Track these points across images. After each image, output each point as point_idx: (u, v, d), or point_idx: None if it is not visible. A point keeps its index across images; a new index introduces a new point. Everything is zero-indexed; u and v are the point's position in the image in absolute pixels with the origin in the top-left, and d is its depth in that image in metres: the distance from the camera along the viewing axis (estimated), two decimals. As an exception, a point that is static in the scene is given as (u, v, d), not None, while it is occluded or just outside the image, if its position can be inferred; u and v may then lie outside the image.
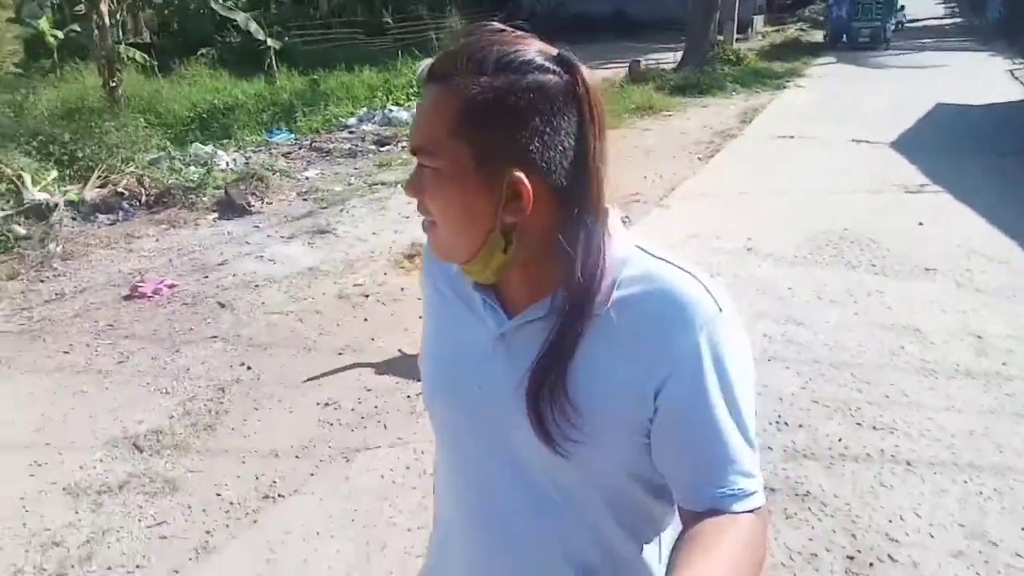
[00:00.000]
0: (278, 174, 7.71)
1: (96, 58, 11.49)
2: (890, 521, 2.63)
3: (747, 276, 4.80)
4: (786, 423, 3.21)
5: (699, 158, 8.20)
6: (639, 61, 14.50)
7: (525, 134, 0.75)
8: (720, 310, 0.80)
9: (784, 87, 13.21)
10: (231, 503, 2.80)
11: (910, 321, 4.11)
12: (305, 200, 6.98)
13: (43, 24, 16.00)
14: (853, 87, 13.10)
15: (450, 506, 0.99)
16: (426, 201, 0.79)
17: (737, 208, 6.29)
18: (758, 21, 23.65)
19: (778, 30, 23.57)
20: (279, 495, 2.84)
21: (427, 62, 0.81)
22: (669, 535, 0.92)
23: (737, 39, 18.27)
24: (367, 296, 4.67)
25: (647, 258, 0.84)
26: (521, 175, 0.76)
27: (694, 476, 0.80)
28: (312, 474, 2.96)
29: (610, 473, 0.85)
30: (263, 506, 2.78)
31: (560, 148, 0.76)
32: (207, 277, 4.99)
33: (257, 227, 6.16)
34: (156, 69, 14.35)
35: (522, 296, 0.84)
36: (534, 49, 0.76)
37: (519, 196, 0.77)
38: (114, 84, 11.07)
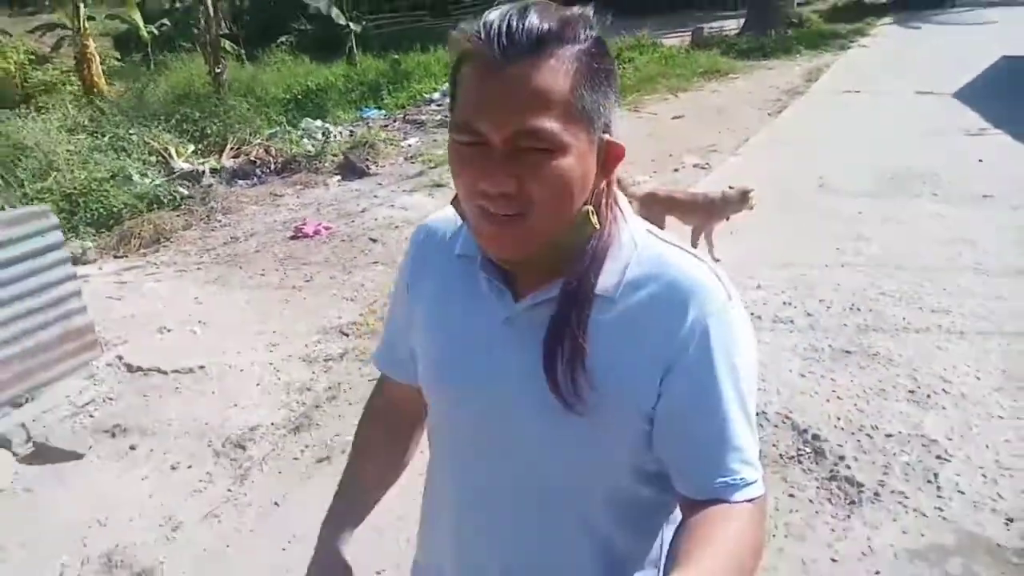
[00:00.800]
0: (384, 142, 8.64)
1: (202, 47, 12.63)
2: (944, 369, 3.35)
3: (820, 207, 5.47)
4: (858, 308, 3.93)
5: (768, 113, 8.79)
6: (702, 28, 14.95)
7: (613, 96, 0.78)
8: (729, 298, 0.82)
9: (848, 47, 13.52)
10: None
11: (967, 235, 4.74)
12: (413, 163, 7.88)
13: (138, 19, 17.31)
14: (917, 44, 13.34)
15: (449, 491, 0.98)
16: (531, 188, 0.74)
17: (808, 154, 6.90)
18: (820, -16, 23.56)
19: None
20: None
21: (490, 23, 0.73)
22: (669, 531, 0.92)
23: (799, 4, 18.43)
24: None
25: (658, 242, 0.85)
26: (609, 137, 0.79)
27: (697, 463, 0.81)
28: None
29: (614, 460, 0.85)
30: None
31: (615, 112, 0.79)
32: (353, 222, 5.94)
33: (380, 184, 7.09)
34: (243, 57, 15.50)
35: (531, 277, 0.83)
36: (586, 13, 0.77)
37: (616, 158, 0.80)
38: (219, 71, 12.21)
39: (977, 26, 14.98)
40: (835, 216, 5.23)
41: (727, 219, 4.54)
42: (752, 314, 3.75)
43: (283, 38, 17.64)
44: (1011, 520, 2.44)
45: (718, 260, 4.11)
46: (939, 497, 2.58)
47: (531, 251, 0.78)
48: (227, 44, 15.30)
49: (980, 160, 6.23)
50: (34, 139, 7.12)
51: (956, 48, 12.24)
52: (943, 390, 3.20)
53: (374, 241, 5.46)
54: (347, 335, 4.03)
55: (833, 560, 2.37)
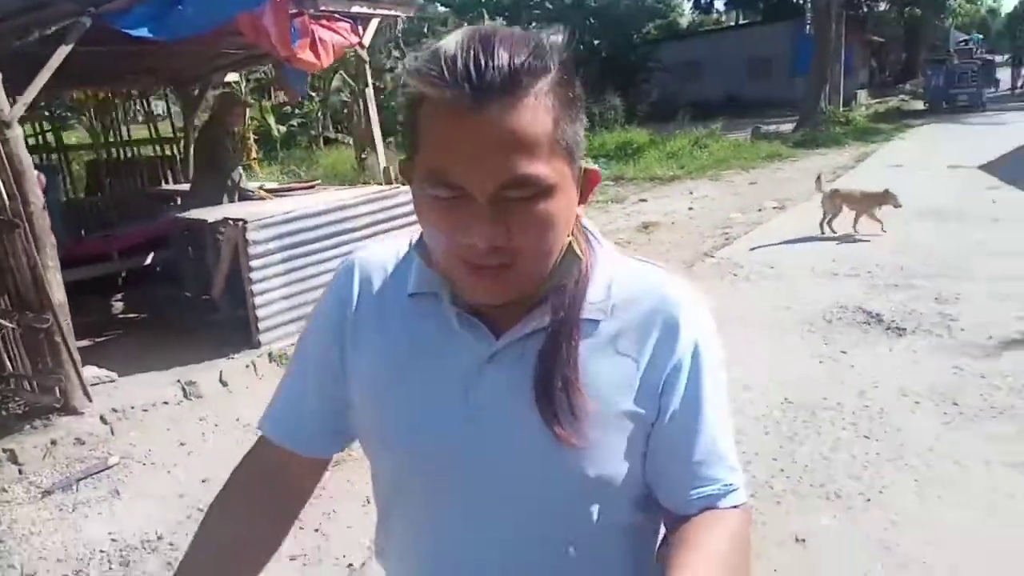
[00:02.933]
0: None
1: (354, 138, 15.53)
2: (958, 291, 5.32)
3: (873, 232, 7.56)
4: (896, 285, 5.89)
5: (827, 180, 10.98)
6: (759, 126, 17.48)
7: (582, 120, 0.72)
8: (706, 315, 0.82)
9: (890, 139, 15.81)
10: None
11: (980, 239, 6.74)
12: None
13: (271, 120, 20.61)
14: (950, 137, 15.53)
15: (424, 552, 0.86)
16: (520, 236, 0.68)
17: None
18: (861, 95, 26.22)
19: (880, 102, 26.02)
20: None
21: (454, 59, 0.64)
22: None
23: (843, 111, 20.98)
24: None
25: (630, 260, 0.84)
26: (585, 164, 0.74)
27: (686, 476, 0.80)
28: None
29: (616, 488, 0.80)
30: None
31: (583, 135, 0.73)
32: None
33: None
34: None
35: (508, 310, 0.76)
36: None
37: (594, 184, 0.76)
38: (364, 156, 15.04)
39: (1003, 125, 17.16)
40: (888, 234, 7.31)
41: (880, 208, 7.25)
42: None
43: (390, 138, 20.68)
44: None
45: (859, 233, 7.29)
46: (953, 330, 4.57)
47: (518, 295, 0.73)
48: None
49: (993, 201, 8.27)
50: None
51: (983, 139, 14.37)
52: (957, 296, 5.18)
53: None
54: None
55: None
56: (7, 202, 3.44)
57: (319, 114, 19.23)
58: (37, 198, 3.54)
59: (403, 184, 5.89)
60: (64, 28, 3.67)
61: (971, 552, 2.55)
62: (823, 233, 7.36)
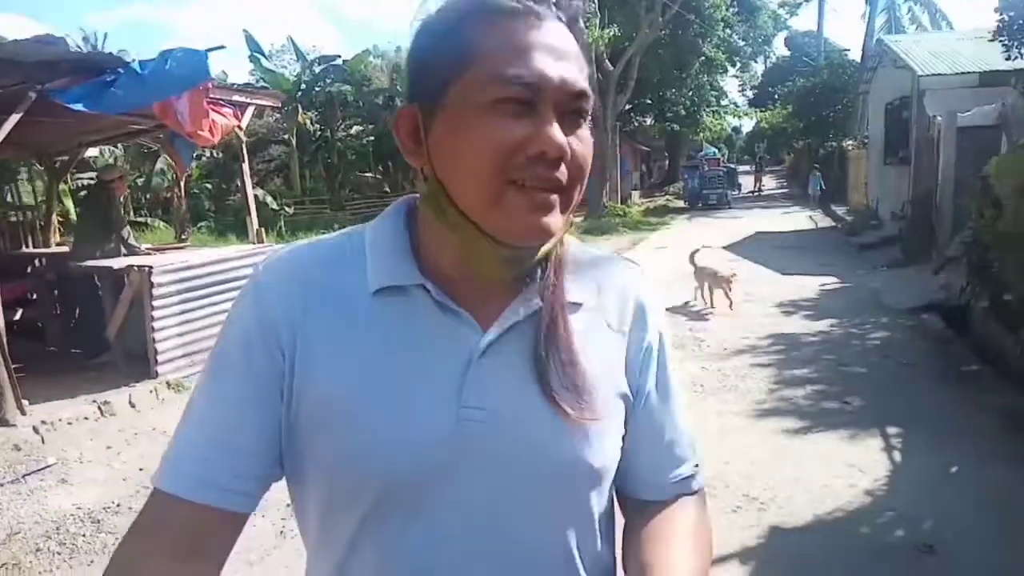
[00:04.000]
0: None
1: (175, 220, 15.67)
2: (705, 324, 7.24)
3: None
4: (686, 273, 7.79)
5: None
6: (554, 217, 20.01)
7: None
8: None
9: (656, 229, 18.95)
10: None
11: (680, 260, 8.93)
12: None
13: (68, 202, 19.97)
14: (703, 227, 18.96)
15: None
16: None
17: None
18: (635, 195, 30.40)
19: (650, 200, 30.35)
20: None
21: None
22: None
23: (621, 207, 24.42)
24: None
25: (585, 246, 0.83)
26: None
27: (664, 458, 0.81)
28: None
29: (608, 464, 0.77)
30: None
31: None
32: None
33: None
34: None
35: (485, 300, 0.73)
36: None
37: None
38: (184, 237, 15.29)
39: (742, 219, 21.16)
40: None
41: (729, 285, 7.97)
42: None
43: (202, 223, 20.80)
44: (726, 346, 6.27)
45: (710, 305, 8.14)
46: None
47: (561, 230, 0.70)
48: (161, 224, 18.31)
49: (707, 245, 10.79)
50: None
51: (728, 228, 17.80)
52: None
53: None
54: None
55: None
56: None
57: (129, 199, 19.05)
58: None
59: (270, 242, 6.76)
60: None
61: (725, 454, 4.09)
62: (694, 300, 8.47)
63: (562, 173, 0.66)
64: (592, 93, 0.69)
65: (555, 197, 0.67)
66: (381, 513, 0.72)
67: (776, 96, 35.16)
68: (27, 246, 7.29)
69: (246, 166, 6.74)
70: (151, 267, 5.18)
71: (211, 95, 5.73)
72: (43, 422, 4.33)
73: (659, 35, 22.61)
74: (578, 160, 0.68)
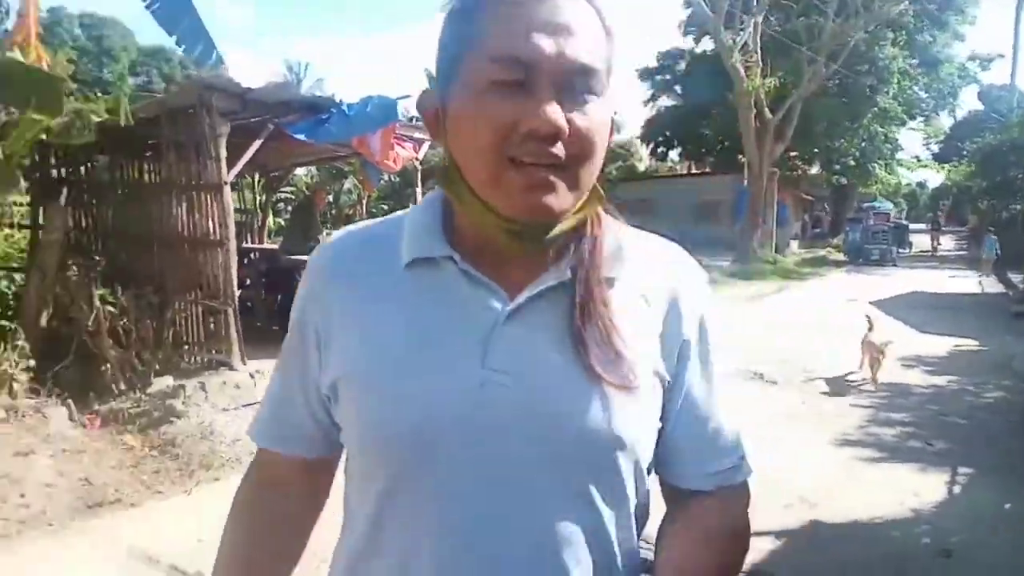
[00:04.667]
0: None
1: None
2: (814, 364, 7.65)
3: (802, 323, 9.93)
4: (781, 360, 8.20)
5: (749, 302, 13.57)
6: (702, 260, 20.23)
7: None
8: (708, 286, 0.86)
9: (806, 279, 18.79)
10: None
11: (820, 309, 9.15)
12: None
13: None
14: (856, 283, 18.54)
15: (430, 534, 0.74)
16: (578, 132, 0.68)
17: (780, 308, 11.51)
18: (794, 244, 29.72)
19: (809, 251, 29.56)
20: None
21: None
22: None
23: (774, 255, 24.13)
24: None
25: (629, 227, 0.84)
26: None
27: (707, 449, 0.82)
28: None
29: (644, 431, 0.77)
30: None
31: None
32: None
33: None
34: None
35: (519, 273, 0.75)
36: None
37: (613, 135, 0.76)
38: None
39: (903, 278, 20.36)
40: (795, 327, 9.69)
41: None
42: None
43: None
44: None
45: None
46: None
47: (568, 208, 0.71)
48: None
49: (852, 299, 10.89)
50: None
51: (884, 285, 17.34)
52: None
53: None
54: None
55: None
56: (219, 230, 5.53)
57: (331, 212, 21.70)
58: (231, 230, 5.63)
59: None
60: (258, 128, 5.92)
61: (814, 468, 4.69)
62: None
63: (559, 149, 0.67)
64: (601, 68, 0.69)
65: (555, 174, 0.68)
66: (409, 475, 0.73)
67: (964, 152, 33.16)
68: (245, 242, 9.06)
69: (419, 191, 8.11)
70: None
71: (397, 132, 7.07)
72: (256, 371, 5.69)
73: (826, 84, 22.41)
74: (581, 136, 0.68)
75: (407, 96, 6.47)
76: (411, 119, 7.47)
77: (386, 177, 20.42)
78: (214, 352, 5.69)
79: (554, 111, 0.66)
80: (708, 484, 0.82)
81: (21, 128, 4.58)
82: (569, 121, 0.68)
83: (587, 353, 0.73)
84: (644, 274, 0.80)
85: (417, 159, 7.69)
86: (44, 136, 4.93)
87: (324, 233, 7.54)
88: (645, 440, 0.78)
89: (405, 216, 0.82)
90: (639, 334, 0.77)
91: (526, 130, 0.66)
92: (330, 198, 20.78)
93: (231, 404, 5.26)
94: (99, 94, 6.48)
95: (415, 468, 0.73)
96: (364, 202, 12.22)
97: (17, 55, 5.13)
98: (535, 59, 0.66)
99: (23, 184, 5.71)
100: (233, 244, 5.67)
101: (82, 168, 6.67)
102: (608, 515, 0.77)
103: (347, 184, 19.17)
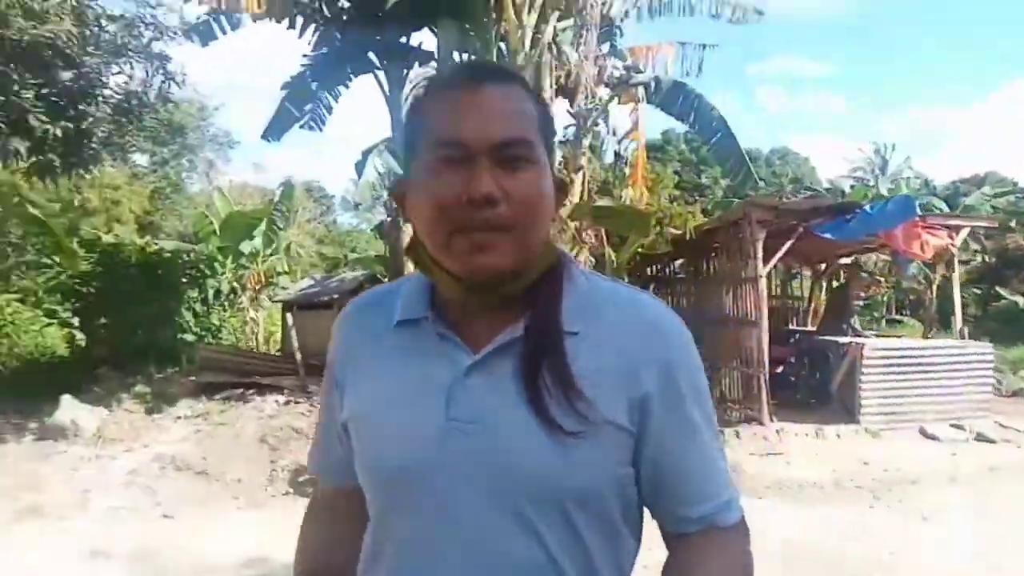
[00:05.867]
0: None
1: (924, 320, 17.23)
2: None
3: None
4: None
5: None
6: None
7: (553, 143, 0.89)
8: (683, 328, 0.88)
9: None
10: None
11: None
12: None
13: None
14: None
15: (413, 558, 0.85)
16: (514, 196, 0.78)
17: None
18: None
19: None
20: None
21: (456, 66, 0.97)
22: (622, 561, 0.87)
23: None
24: None
25: (602, 279, 0.91)
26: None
27: (689, 493, 0.85)
28: None
29: (602, 474, 0.82)
30: None
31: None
32: None
33: None
34: None
35: (484, 328, 0.84)
36: None
37: (564, 194, 0.88)
38: (929, 336, 16.62)
39: None
40: None
41: None
42: None
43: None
44: None
45: None
46: None
47: (511, 266, 0.79)
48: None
49: None
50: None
51: None
52: None
53: None
54: None
55: None
56: (755, 313, 7.11)
57: (884, 298, 21.33)
58: (763, 313, 7.13)
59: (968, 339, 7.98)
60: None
61: None
62: None
63: (497, 214, 0.77)
64: (533, 139, 0.80)
65: (497, 237, 0.78)
66: (386, 507, 0.87)
67: None
68: (791, 324, 10.41)
69: (956, 275, 8.24)
70: (864, 346, 7.36)
71: (927, 223, 7.58)
72: (779, 429, 6.96)
73: None
74: (517, 201, 0.78)
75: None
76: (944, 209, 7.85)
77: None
78: (748, 409, 7.19)
79: (486, 180, 0.76)
80: (693, 527, 0.85)
81: (626, 245, 7.04)
82: (506, 188, 0.77)
83: (539, 401, 0.78)
84: (606, 326, 0.84)
85: (953, 245, 7.93)
86: (640, 250, 7.36)
87: (855, 319, 8.37)
88: (601, 486, 0.82)
89: (405, 281, 0.93)
90: (597, 386, 0.80)
91: (466, 199, 0.76)
92: (891, 286, 20.38)
93: (758, 451, 6.64)
94: (696, 198, 8.89)
95: (398, 498, 0.85)
96: (933, 288, 12.18)
97: (627, 195, 7.78)
98: (469, 138, 0.78)
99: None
100: (765, 323, 7.16)
101: (665, 268, 9.12)
102: (560, 555, 0.80)
103: (912, 268, 18.58)
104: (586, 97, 8.31)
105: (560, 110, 8.27)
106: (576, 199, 8.90)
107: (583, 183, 8.97)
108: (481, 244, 0.78)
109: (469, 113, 0.79)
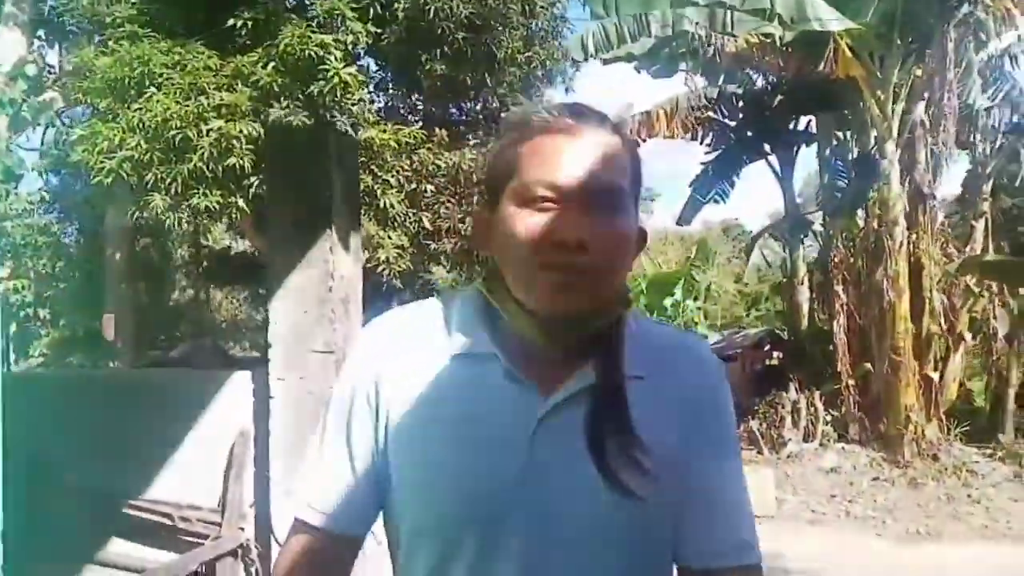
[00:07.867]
0: None
1: None
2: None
3: None
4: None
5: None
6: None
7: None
8: (724, 375, 0.92)
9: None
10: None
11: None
12: None
13: None
14: None
15: None
16: (601, 242, 0.80)
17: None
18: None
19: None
20: None
21: (556, 105, 0.87)
22: None
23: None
24: None
25: (658, 326, 0.95)
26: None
27: (721, 530, 0.87)
28: None
29: (661, 535, 0.85)
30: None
31: None
32: None
33: None
34: None
35: (552, 371, 0.84)
36: None
37: (643, 245, 0.88)
38: None
39: None
40: None
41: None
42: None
43: None
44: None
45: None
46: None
47: (588, 308, 0.81)
48: None
49: None
50: None
51: None
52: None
53: None
54: None
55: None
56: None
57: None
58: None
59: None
60: None
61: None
62: None
63: (581, 258, 0.78)
64: (624, 186, 0.83)
65: (578, 279, 0.79)
66: (448, 555, 0.83)
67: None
68: None
69: None
70: None
71: None
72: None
73: None
74: (605, 247, 0.79)
75: None
76: None
77: None
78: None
79: (574, 225, 0.78)
80: (718, 562, 0.86)
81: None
82: (594, 234, 0.79)
83: (606, 461, 0.80)
84: (668, 370, 0.88)
85: None
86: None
87: None
88: (654, 539, 0.85)
89: (440, 307, 0.92)
90: (658, 432, 0.82)
91: (555, 240, 0.79)
92: None
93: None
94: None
95: (467, 546, 0.83)
96: None
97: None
98: (566, 184, 0.80)
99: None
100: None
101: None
102: None
103: None
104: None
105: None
106: (978, 246, 9.08)
107: (986, 229, 9.06)
108: (563, 284, 0.80)
109: (568, 157, 0.82)
